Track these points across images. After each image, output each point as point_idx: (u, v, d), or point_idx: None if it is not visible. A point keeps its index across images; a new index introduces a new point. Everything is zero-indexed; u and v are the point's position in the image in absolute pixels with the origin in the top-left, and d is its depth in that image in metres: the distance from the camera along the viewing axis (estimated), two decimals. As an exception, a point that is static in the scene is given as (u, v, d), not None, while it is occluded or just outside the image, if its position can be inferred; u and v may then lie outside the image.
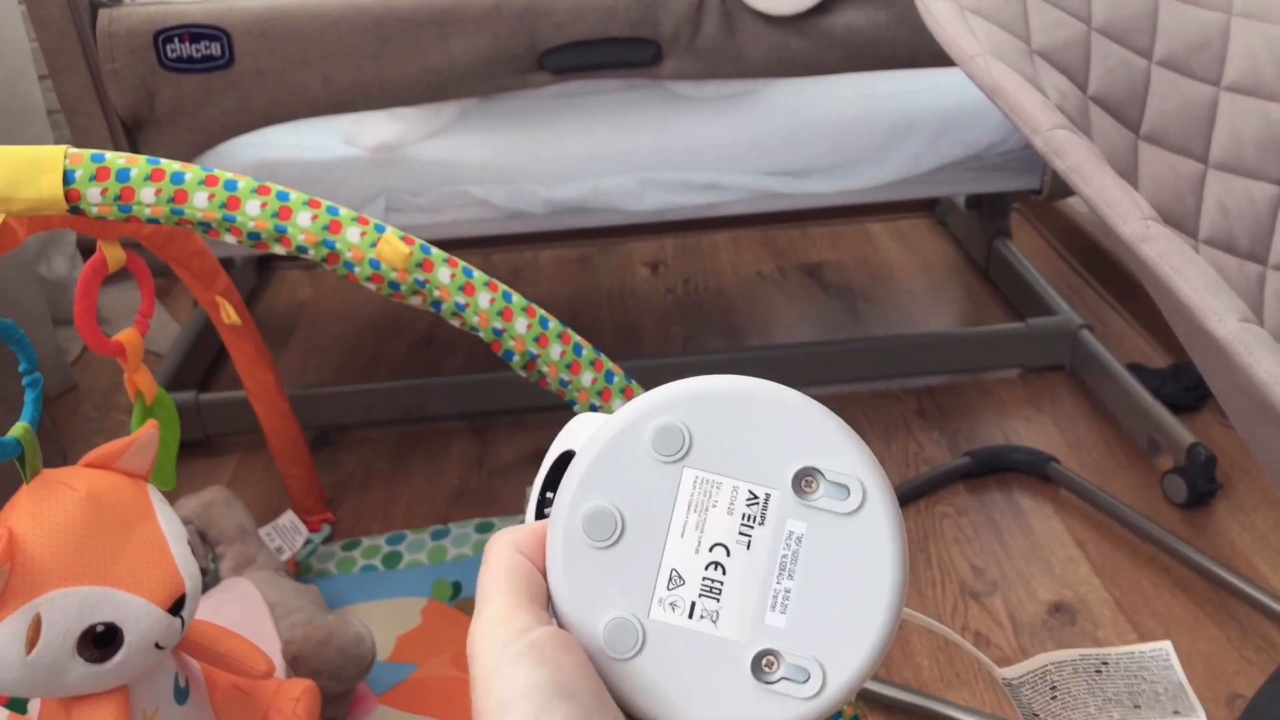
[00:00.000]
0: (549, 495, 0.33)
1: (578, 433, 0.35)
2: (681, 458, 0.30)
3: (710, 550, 0.30)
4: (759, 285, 1.72)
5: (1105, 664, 0.52)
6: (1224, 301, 0.59)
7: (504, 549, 0.31)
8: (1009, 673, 0.52)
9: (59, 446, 1.37)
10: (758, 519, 0.30)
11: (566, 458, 0.33)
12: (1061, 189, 1.24)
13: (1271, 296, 0.81)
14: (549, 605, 0.31)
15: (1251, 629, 1.01)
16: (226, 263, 1.70)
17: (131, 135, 1.07)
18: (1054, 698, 0.52)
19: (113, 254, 0.76)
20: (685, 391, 0.30)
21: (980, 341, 1.44)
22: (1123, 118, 0.81)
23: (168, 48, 1.02)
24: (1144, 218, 0.63)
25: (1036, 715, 0.51)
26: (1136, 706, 0.52)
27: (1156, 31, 0.82)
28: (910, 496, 1.21)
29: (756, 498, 0.30)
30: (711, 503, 0.30)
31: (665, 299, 1.68)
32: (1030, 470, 1.23)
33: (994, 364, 1.44)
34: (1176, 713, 0.51)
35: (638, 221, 1.21)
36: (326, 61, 1.04)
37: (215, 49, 1.02)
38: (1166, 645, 0.52)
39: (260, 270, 1.83)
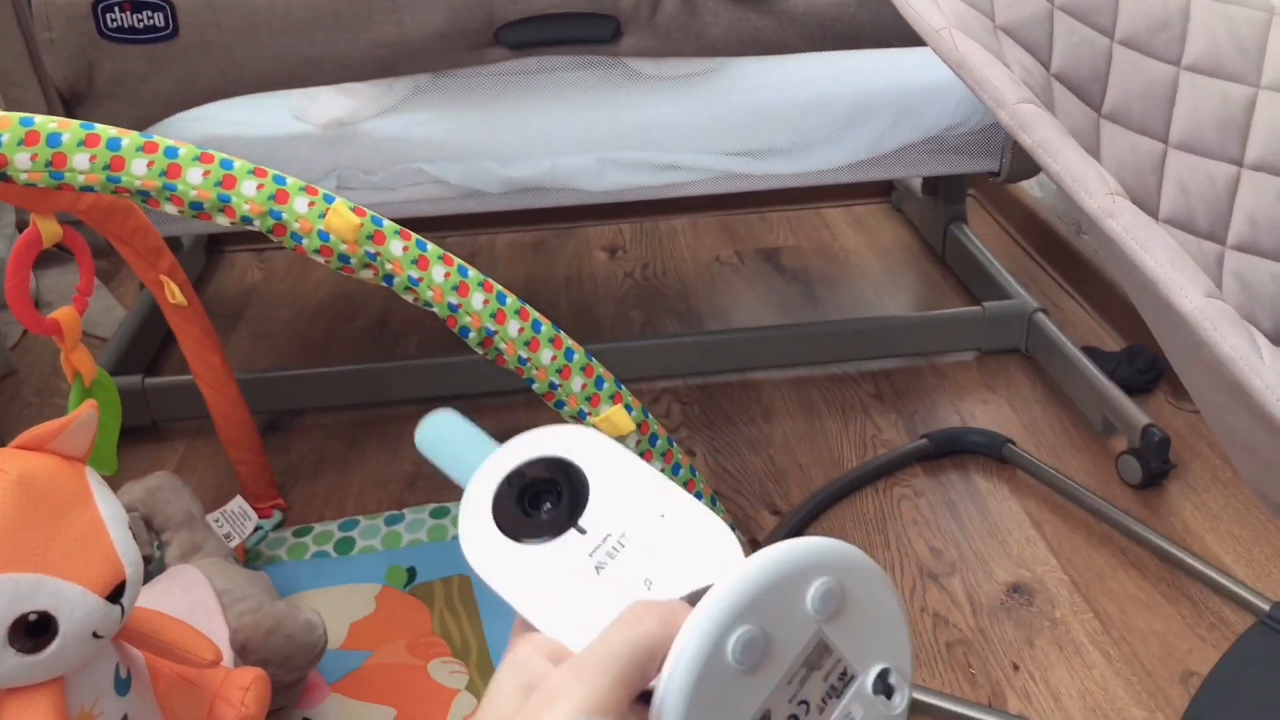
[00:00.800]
0: (524, 509, 0.36)
1: (535, 446, 0.38)
2: (828, 619, 0.32)
3: (798, 705, 0.32)
4: (717, 270, 1.71)
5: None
6: (1189, 276, 0.59)
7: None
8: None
9: (-4, 433, 1.32)
10: (839, 693, 0.33)
11: (526, 474, 0.37)
12: (1020, 172, 1.24)
13: (1230, 275, 0.81)
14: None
15: (1205, 607, 1.02)
16: (174, 244, 1.66)
17: (70, 109, 1.02)
18: None
19: (47, 228, 0.73)
20: (851, 557, 0.34)
21: (936, 325, 1.44)
22: (1085, 96, 0.81)
23: (108, 17, 0.98)
24: (1110, 193, 0.62)
25: None
26: None
27: (1118, 10, 0.81)
28: (868, 479, 1.21)
29: (847, 676, 0.33)
30: (819, 664, 0.32)
31: (623, 283, 1.67)
32: (987, 452, 1.23)
33: (950, 347, 1.44)
34: None
35: (596, 202, 1.19)
36: (275, 34, 1.01)
37: (158, 19, 0.99)
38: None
39: (210, 252, 1.78)
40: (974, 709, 0.91)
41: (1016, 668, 0.97)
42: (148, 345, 1.47)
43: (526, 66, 1.16)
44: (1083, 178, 0.62)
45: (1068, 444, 1.26)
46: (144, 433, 1.32)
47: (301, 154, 1.12)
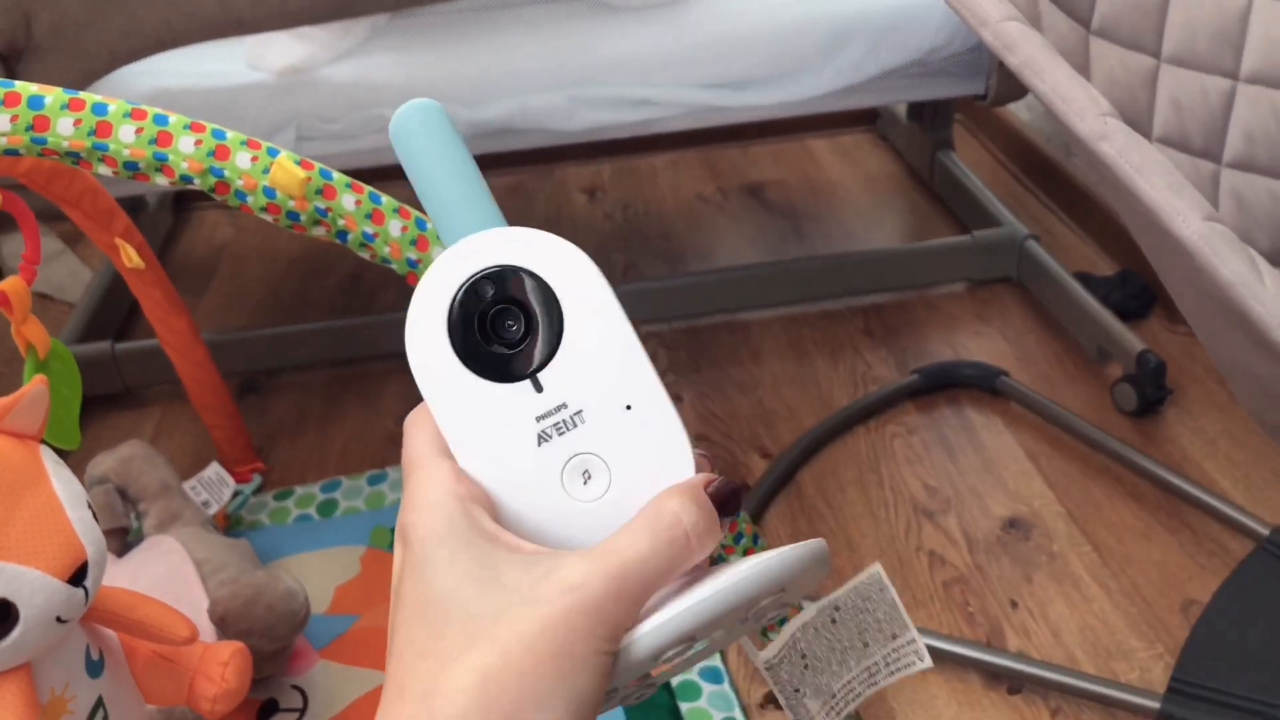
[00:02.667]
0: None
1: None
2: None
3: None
4: (700, 208, 1.67)
5: (838, 609, 0.52)
6: (1187, 200, 0.56)
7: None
8: (767, 654, 0.53)
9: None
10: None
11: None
12: (1007, 94, 1.19)
13: (1226, 194, 0.78)
14: None
15: (1204, 534, 1.01)
16: (139, 203, 1.62)
17: (9, 66, 0.98)
18: (805, 668, 0.52)
19: (-14, 194, 0.69)
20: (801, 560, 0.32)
21: (926, 256, 1.41)
22: (1073, 11, 0.77)
23: (42, -34, 0.93)
24: (1102, 114, 0.59)
25: (798, 690, 0.52)
26: (865, 645, 0.53)
27: (1106, -83, 0.77)
28: (859, 416, 1.19)
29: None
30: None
31: (604, 225, 1.63)
32: (980, 385, 1.21)
33: (940, 279, 1.41)
34: (894, 635, 0.53)
35: (570, 142, 1.15)
36: (222, -22, 0.96)
37: (96, -34, 0.93)
38: (876, 567, 0.52)
39: (177, 211, 1.73)
40: (973, 648, 0.89)
41: (1015, 604, 0.95)
42: (117, 309, 1.43)
43: (488, 3, 1.11)
44: (1072, 99, 0.59)
45: (1062, 374, 1.24)
46: (117, 400, 1.29)
47: (257, 104, 1.07)
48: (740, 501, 0.32)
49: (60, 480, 0.61)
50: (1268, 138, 0.78)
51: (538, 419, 0.31)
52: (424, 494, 0.31)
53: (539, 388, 0.31)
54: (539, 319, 0.31)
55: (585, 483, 0.32)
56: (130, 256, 0.89)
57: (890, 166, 1.74)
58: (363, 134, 1.09)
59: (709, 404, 1.23)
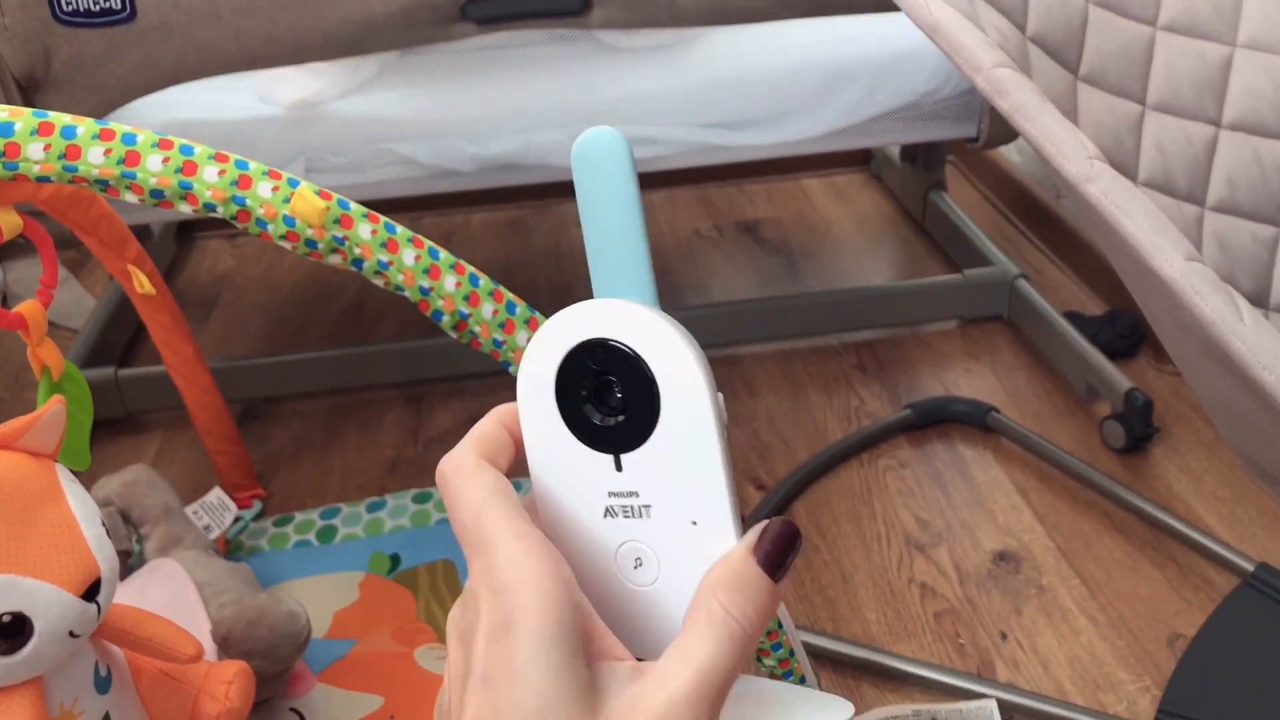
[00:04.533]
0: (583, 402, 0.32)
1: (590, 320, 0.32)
2: None
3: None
4: (696, 243, 1.69)
5: (935, 718, 0.52)
6: (1170, 240, 0.58)
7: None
8: None
9: (-32, 429, 1.30)
10: None
11: (590, 349, 0.32)
12: (998, 137, 1.23)
13: (1209, 237, 0.80)
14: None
15: (1190, 570, 1.02)
16: (144, 232, 1.64)
17: (28, 96, 1.00)
18: None
19: (7, 220, 0.71)
20: None
21: (918, 294, 1.44)
22: (1061, 58, 0.80)
23: (62, 0, 0.95)
24: (1089, 157, 0.61)
25: None
26: None
27: (1093, -30, 0.80)
28: (853, 450, 1.20)
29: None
30: None
31: (602, 259, 1.65)
32: (971, 421, 1.23)
33: (932, 316, 1.44)
34: None
35: (571, 179, 1.17)
36: (237, 14, 0.99)
37: (114, 2, 0.96)
38: (991, 704, 0.52)
39: (180, 240, 1.76)
40: (963, 679, 0.91)
41: (1005, 636, 0.97)
42: (120, 336, 1.45)
43: (496, 42, 1.14)
44: (1060, 142, 0.61)
45: (1052, 410, 1.26)
46: (119, 425, 1.30)
47: (268, 136, 1.10)
48: (797, 542, 0.31)
49: (75, 498, 0.63)
50: (1249, 182, 0.81)
51: (610, 494, 0.32)
52: (527, 570, 0.29)
53: (619, 467, 0.32)
54: (638, 410, 0.31)
55: (635, 567, 0.32)
56: (142, 283, 0.91)
57: (883, 206, 1.77)
58: (370, 167, 1.12)
59: (705, 436, 1.25)
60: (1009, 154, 1.74)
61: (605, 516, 0.32)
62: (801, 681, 0.57)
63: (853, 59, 1.16)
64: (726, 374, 1.36)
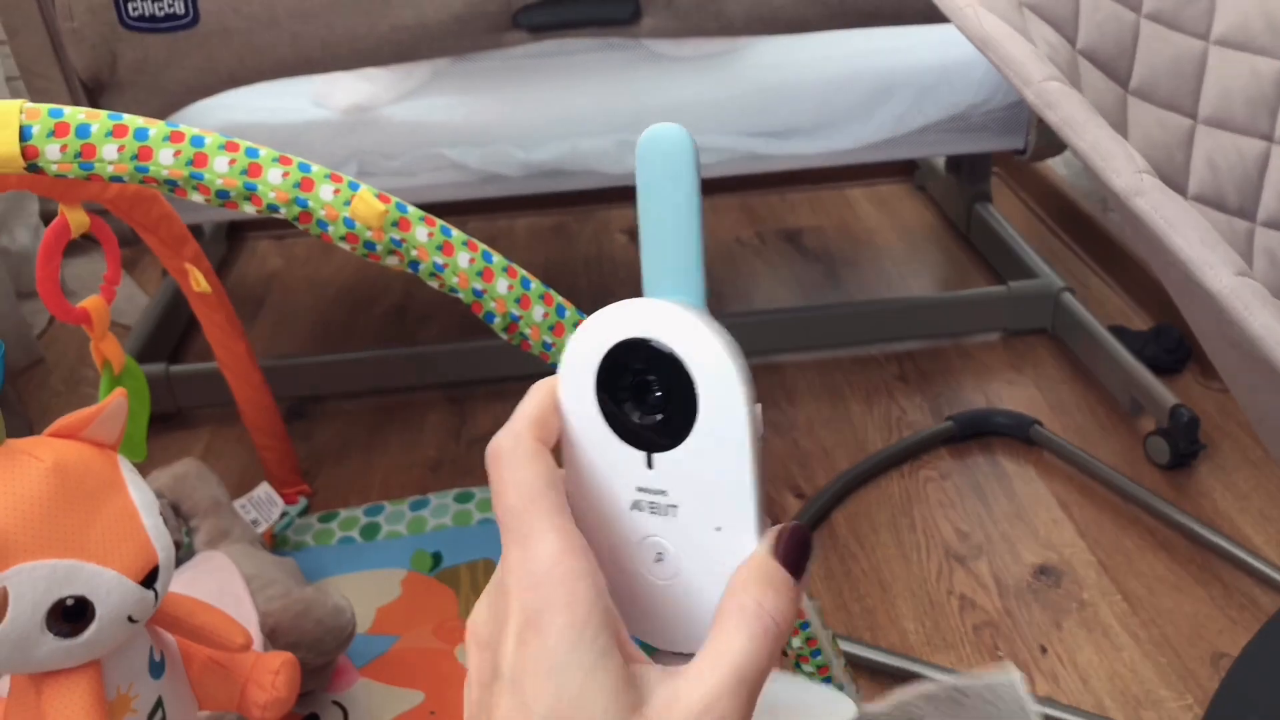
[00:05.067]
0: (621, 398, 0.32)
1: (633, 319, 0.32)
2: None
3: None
4: (738, 251, 1.70)
5: (965, 695, 0.52)
6: (1219, 255, 0.58)
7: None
8: (875, 708, 0.53)
9: (25, 420, 1.34)
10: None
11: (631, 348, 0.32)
12: (1045, 149, 1.22)
13: (1260, 252, 0.80)
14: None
15: (1235, 588, 1.01)
16: (195, 231, 1.67)
17: (93, 98, 1.03)
18: None
19: (75, 218, 0.73)
20: None
21: (961, 305, 1.43)
22: (1112, 72, 0.80)
23: (129, 6, 0.98)
24: (1138, 170, 0.61)
25: None
26: None
27: (1146, -16, 0.80)
28: (893, 461, 1.20)
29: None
30: None
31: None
32: (1013, 433, 1.22)
33: (975, 328, 1.43)
34: None
35: (616, 185, 1.19)
36: (294, 20, 1.01)
37: (179, 7, 0.99)
38: (1016, 677, 0.52)
39: (230, 240, 1.79)
40: (1001, 690, 0.90)
41: (1044, 650, 0.96)
42: (171, 333, 1.48)
43: (546, 49, 1.15)
44: (1110, 155, 0.61)
45: (1095, 425, 1.25)
46: (169, 420, 1.33)
47: (322, 139, 1.12)
48: (810, 546, 0.32)
49: (136, 488, 0.64)
50: (1301, 199, 0.80)
51: (639, 489, 0.32)
52: (564, 568, 0.29)
53: (650, 465, 0.32)
54: (675, 412, 0.31)
55: (656, 560, 0.33)
56: (199, 281, 0.93)
57: (927, 217, 1.77)
58: (421, 171, 1.14)
59: (744, 443, 1.26)
60: (1055, 166, 1.73)
61: (632, 509, 0.32)
62: (821, 666, 0.57)
63: (900, 70, 1.16)
64: (767, 382, 1.36)
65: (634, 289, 0.33)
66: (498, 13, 1.03)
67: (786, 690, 0.32)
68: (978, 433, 1.24)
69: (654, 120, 1.11)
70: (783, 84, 1.16)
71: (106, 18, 0.99)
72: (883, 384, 1.35)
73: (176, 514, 1.01)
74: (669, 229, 0.32)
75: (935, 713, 0.52)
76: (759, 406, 0.31)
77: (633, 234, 1.77)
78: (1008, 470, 1.19)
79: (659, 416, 0.31)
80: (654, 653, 0.33)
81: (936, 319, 1.42)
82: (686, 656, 0.31)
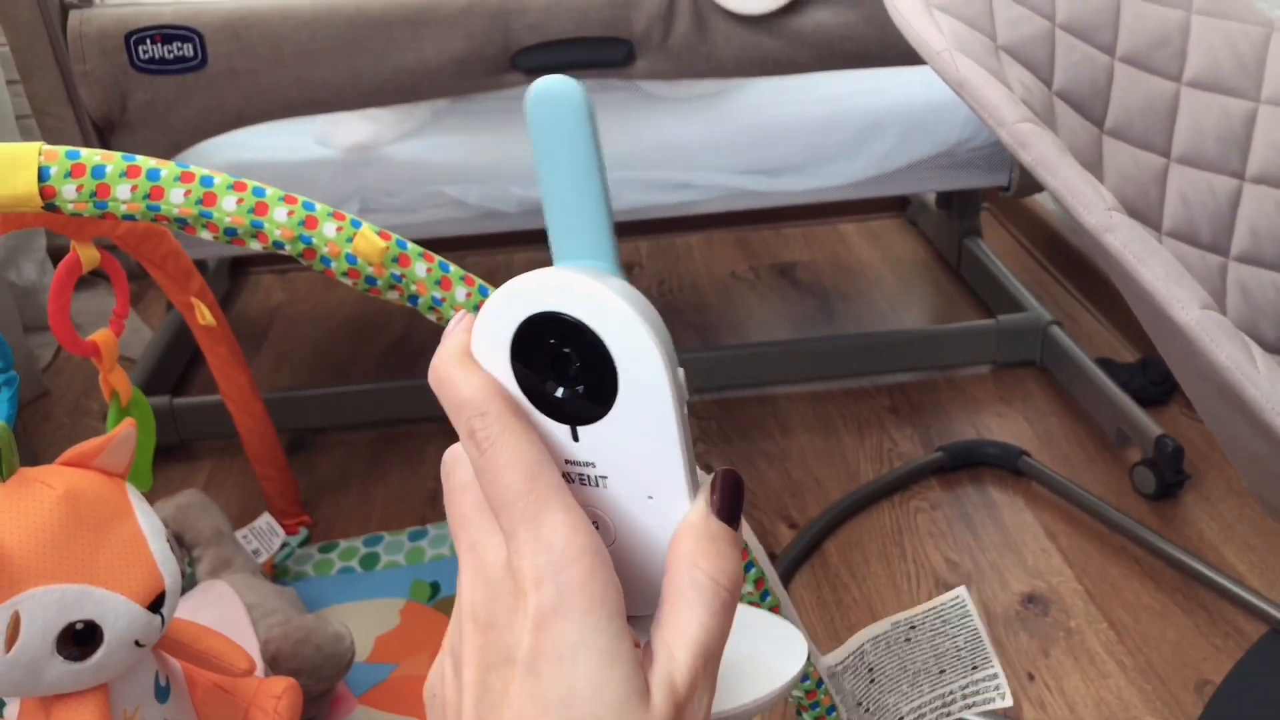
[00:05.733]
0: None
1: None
2: None
3: None
4: (733, 285, 1.73)
5: (913, 628, 0.53)
6: (1186, 290, 0.61)
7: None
8: (832, 659, 0.54)
9: (30, 452, 1.36)
10: None
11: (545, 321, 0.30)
12: (1029, 185, 1.26)
13: (1233, 286, 0.82)
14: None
15: (1220, 616, 1.03)
16: (199, 266, 1.70)
17: (103, 137, 1.06)
18: (872, 681, 0.53)
19: (87, 254, 0.76)
20: None
21: (952, 338, 1.46)
22: (1087, 112, 0.83)
23: (139, 49, 1.01)
24: (1108, 208, 0.64)
25: (860, 704, 0.53)
26: (941, 671, 0.53)
27: (1119, 28, 0.83)
28: (884, 492, 1.22)
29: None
30: None
31: (640, 300, 1.69)
32: (1002, 464, 1.24)
33: (966, 360, 1.46)
34: (974, 667, 0.53)
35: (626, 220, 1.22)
36: (299, 62, 1.04)
37: (188, 50, 1.02)
38: (962, 590, 0.53)
39: (233, 274, 1.82)
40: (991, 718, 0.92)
41: (1032, 677, 0.98)
42: (175, 365, 1.50)
43: (543, 90, 1.18)
44: (1080, 193, 0.64)
45: (1082, 456, 1.27)
46: (172, 451, 1.35)
47: (325, 177, 1.15)
48: (744, 488, 0.31)
49: (143, 515, 0.67)
50: (1273, 233, 0.83)
51: (566, 462, 0.31)
52: (579, 544, 0.28)
53: (576, 438, 0.31)
54: (595, 385, 0.30)
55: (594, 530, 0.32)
56: (204, 314, 0.96)
57: (919, 251, 1.80)
58: (421, 208, 1.17)
59: (738, 474, 1.27)
60: (1044, 201, 1.76)
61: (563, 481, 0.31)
62: (773, 606, 0.57)
63: (886, 109, 1.19)
64: (760, 413, 1.38)
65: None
66: (496, 55, 1.07)
67: (738, 644, 0.33)
68: (967, 463, 1.26)
69: (648, 158, 1.15)
70: (773, 123, 1.20)
71: (118, 60, 1.02)
72: (874, 415, 1.37)
73: (180, 544, 1.03)
74: (572, 189, 0.30)
75: (889, 654, 0.53)
76: (681, 371, 0.30)
77: (629, 267, 1.80)
78: (997, 500, 1.21)
79: (579, 389, 0.30)
80: None
81: (927, 351, 1.45)
82: (631, 620, 0.31)
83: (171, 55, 1.02)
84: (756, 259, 1.80)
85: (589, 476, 0.31)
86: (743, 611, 0.33)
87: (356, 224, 0.61)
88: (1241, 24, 0.86)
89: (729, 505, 0.30)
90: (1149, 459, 1.18)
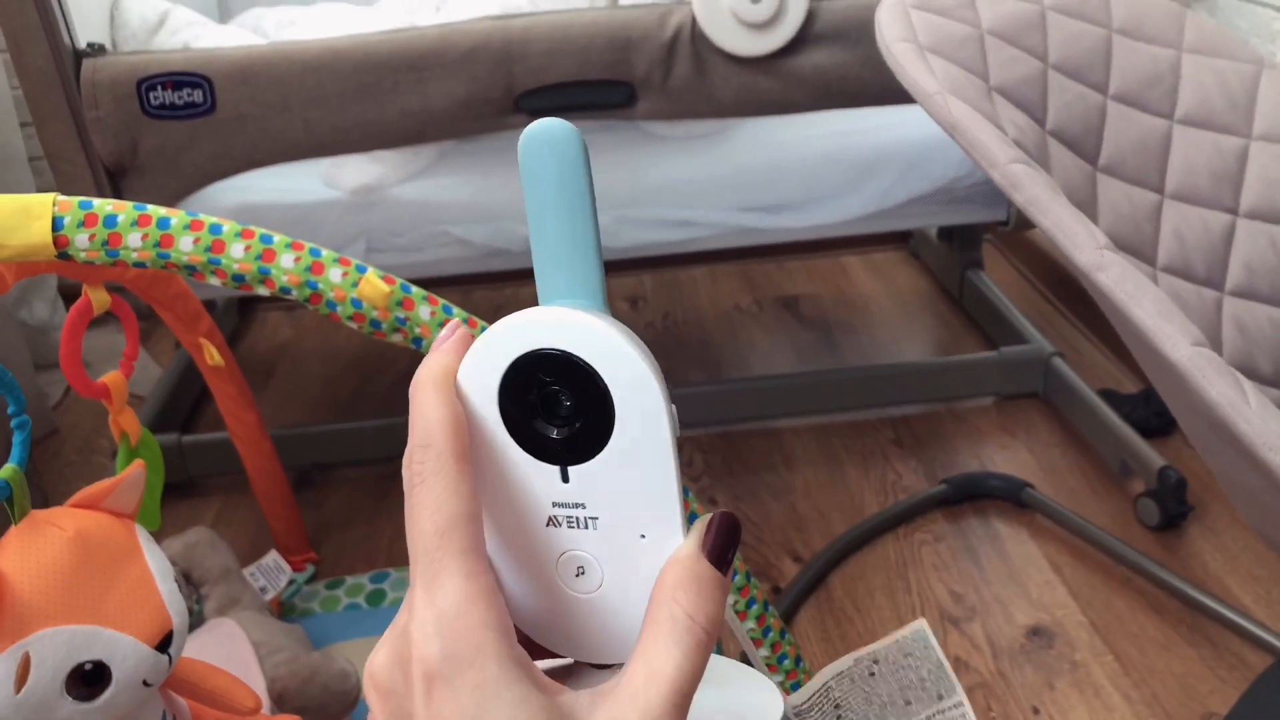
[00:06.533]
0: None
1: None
2: None
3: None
4: (736, 318, 1.74)
5: (876, 662, 0.54)
6: (1177, 326, 0.62)
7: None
8: (797, 699, 0.54)
9: (40, 491, 1.37)
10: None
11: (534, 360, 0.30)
12: (1026, 221, 1.27)
13: (1229, 321, 0.83)
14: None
15: (1225, 648, 1.03)
16: (208, 304, 1.72)
17: (115, 181, 1.08)
18: (839, 718, 0.54)
19: (98, 297, 0.77)
20: None
21: (955, 370, 1.46)
22: (1080, 150, 0.84)
23: (150, 95, 1.04)
24: (1099, 246, 0.65)
25: None
26: (908, 703, 0.54)
27: (1110, 68, 0.85)
28: (889, 524, 1.23)
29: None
30: None
31: (645, 333, 1.70)
32: (1006, 496, 1.25)
33: (969, 392, 1.46)
34: (940, 696, 0.53)
35: (615, 259, 1.23)
36: (306, 107, 1.06)
37: (197, 96, 1.04)
38: (921, 624, 0.54)
39: (241, 312, 1.84)
40: (994, 751, 0.92)
41: (1037, 711, 0.98)
42: (183, 404, 1.51)
43: (546, 131, 1.20)
44: (1073, 233, 0.65)
45: (1086, 487, 1.27)
46: (181, 489, 1.36)
47: (332, 219, 1.17)
48: (739, 532, 0.31)
49: (152, 555, 0.67)
50: (1267, 268, 0.84)
51: (554, 504, 0.31)
52: (466, 621, 0.28)
53: (565, 479, 0.30)
54: (589, 423, 0.30)
55: (577, 575, 0.31)
56: (212, 355, 0.97)
57: (921, 283, 1.81)
58: (427, 247, 1.19)
59: (742, 507, 1.28)
60: (1043, 233, 1.77)
61: (548, 525, 0.31)
62: (781, 635, 0.57)
63: (885, 147, 1.21)
64: (764, 446, 1.39)
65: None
66: (500, 98, 1.09)
67: (711, 699, 0.32)
68: (971, 496, 1.26)
69: (651, 197, 1.17)
70: (772, 162, 1.21)
71: (129, 107, 1.04)
72: (878, 448, 1.38)
73: (187, 582, 1.04)
74: (563, 230, 0.30)
75: (854, 689, 0.54)
76: (674, 407, 0.30)
77: (633, 301, 1.81)
78: (1001, 533, 1.21)
79: (571, 430, 0.30)
80: (570, 668, 0.33)
81: (930, 384, 1.46)
82: (611, 667, 0.31)
83: (182, 101, 1.04)
84: (760, 292, 1.82)
85: (578, 519, 0.31)
86: (721, 665, 0.33)
87: (362, 269, 0.63)
88: (1232, 61, 0.88)
89: (720, 548, 0.30)
90: (1152, 490, 1.19)
